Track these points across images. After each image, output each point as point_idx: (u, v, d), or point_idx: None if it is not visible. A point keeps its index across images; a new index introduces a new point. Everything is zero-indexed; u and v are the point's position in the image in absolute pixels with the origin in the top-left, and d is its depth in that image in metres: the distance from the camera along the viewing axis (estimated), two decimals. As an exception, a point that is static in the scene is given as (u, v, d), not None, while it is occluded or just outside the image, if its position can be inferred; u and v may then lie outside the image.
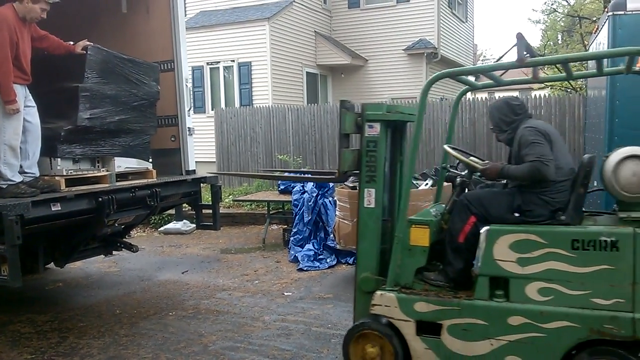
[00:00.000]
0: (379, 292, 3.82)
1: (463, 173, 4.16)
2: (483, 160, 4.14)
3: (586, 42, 14.73)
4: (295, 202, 8.11)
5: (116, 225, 5.53)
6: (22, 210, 4.24)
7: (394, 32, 17.33)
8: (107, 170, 5.52)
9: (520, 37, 3.29)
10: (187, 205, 7.13)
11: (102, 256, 6.67)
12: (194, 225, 9.72)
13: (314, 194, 7.93)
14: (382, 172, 3.96)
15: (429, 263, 3.88)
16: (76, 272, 7.49)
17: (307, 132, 12.69)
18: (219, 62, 15.92)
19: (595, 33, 7.00)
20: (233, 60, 15.71)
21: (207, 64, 15.95)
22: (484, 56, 43.35)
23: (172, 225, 10.25)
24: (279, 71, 15.69)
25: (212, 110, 14.86)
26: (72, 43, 5.23)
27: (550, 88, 19.63)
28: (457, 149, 4.20)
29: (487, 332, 3.51)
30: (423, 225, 3.80)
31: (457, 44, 19.51)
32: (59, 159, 5.10)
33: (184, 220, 10.14)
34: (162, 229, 10.32)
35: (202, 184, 6.46)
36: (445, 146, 4.18)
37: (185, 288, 6.65)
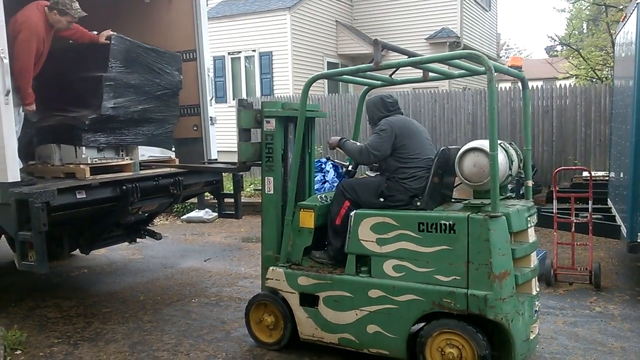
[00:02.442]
0: (271, 268, 4.35)
1: (347, 164, 4.67)
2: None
3: (613, 31, 14.43)
4: (316, 191, 8.10)
5: (140, 213, 5.61)
6: (48, 197, 4.32)
7: (415, 21, 17.17)
8: (131, 159, 5.61)
9: (376, 42, 3.75)
10: (209, 194, 7.18)
11: (126, 243, 6.80)
12: (216, 214, 9.83)
13: (335, 183, 7.91)
14: (280, 162, 4.40)
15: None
16: (100, 259, 7.61)
17: (328, 121, 12.67)
18: (240, 52, 15.95)
19: (622, 22, 6.84)
20: (254, 50, 15.73)
21: (229, 53, 15.99)
22: (507, 45, 42.49)
23: (195, 214, 10.35)
24: (300, 61, 15.67)
25: (234, 100, 14.92)
26: (95, 33, 5.29)
27: (576, 78, 19.29)
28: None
29: (353, 303, 3.97)
30: (309, 209, 4.29)
31: (480, 33, 19.27)
32: (83, 148, 5.18)
33: (206, 209, 10.21)
34: (184, 217, 10.43)
35: (223, 173, 6.50)
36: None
37: (208, 276, 6.72)
